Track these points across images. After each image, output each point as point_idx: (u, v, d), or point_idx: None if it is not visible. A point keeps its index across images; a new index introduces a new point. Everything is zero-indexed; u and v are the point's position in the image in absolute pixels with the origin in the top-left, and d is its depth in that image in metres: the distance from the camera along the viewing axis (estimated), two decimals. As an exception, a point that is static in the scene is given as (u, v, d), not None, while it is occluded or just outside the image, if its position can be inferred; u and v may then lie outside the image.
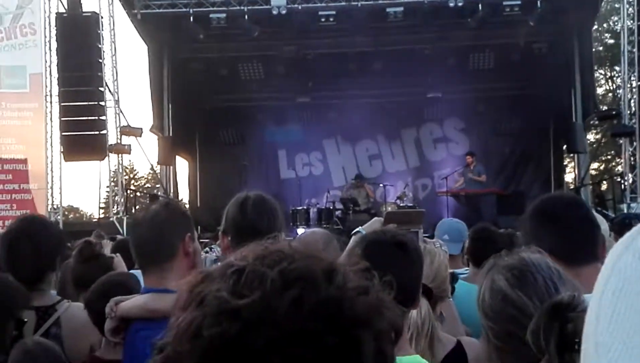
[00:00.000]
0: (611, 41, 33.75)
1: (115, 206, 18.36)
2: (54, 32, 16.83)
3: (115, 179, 18.57)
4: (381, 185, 17.79)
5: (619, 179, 18.10)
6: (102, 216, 23.10)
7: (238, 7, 16.22)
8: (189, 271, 2.40)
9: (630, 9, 16.39)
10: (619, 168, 28.51)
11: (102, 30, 17.25)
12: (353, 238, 2.86)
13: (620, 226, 6.08)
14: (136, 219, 2.76)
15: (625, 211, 15.20)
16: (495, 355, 1.71)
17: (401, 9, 16.05)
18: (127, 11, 17.19)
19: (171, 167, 20.01)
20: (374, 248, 2.21)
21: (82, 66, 16.31)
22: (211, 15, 16.26)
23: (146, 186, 44.66)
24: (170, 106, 19.04)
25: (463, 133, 20.11)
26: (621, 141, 18.25)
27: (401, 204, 15.93)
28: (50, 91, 17.06)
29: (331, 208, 16.88)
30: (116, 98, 17.73)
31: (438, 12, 16.53)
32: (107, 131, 17.05)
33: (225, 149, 20.40)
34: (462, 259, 4.92)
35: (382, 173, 20.06)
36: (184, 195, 21.73)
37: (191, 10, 16.39)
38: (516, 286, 1.68)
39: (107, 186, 19.18)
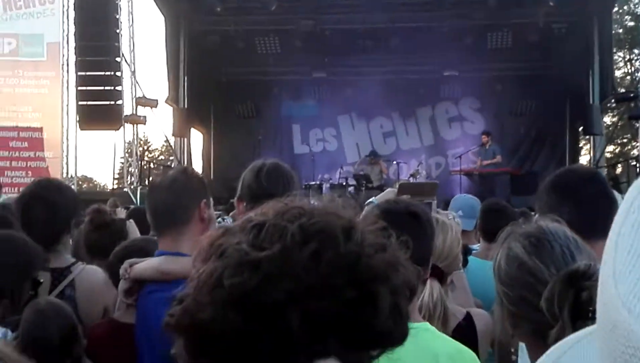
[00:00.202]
0: (631, 24, 33.34)
1: (130, 177, 18.43)
2: (72, 1, 16.79)
3: (130, 150, 18.62)
4: (395, 162, 17.76)
5: (634, 163, 17.99)
6: (115, 186, 23.21)
7: (256, -20, 16.15)
8: (204, 237, 2.42)
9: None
10: (635, 151, 28.32)
11: (120, 0, 17.22)
12: (366, 208, 2.86)
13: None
14: (154, 183, 2.80)
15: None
16: (509, 321, 1.72)
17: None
18: (145, -18, 17.15)
19: (185, 139, 20.05)
20: (387, 218, 2.18)
21: (100, 36, 16.29)
22: (229, -12, 16.21)
23: (160, 158, 44.76)
24: (186, 78, 19.05)
25: (479, 112, 19.99)
26: (638, 125, 18.12)
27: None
28: (67, 60, 17.07)
29: (344, 184, 16.86)
30: (132, 69, 17.73)
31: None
32: (123, 102, 17.05)
33: (240, 122, 20.39)
34: (475, 235, 4.90)
35: (396, 151, 19.98)
36: (197, 168, 21.77)
37: (209, -18, 16.34)
38: (533, 253, 1.67)
39: (122, 157, 19.25)
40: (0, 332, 2.46)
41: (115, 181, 25.28)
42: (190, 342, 0.97)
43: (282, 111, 20.50)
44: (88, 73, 16.53)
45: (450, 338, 2.22)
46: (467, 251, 3.64)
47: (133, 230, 4.10)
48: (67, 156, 17.52)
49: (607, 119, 29.18)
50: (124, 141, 18.28)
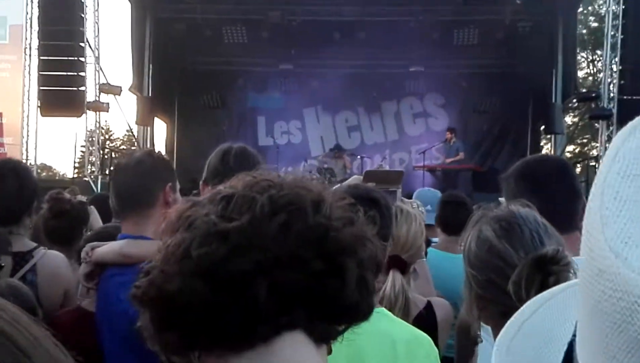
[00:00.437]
0: (595, 24, 33.83)
1: (90, 166, 18.20)
2: (36, -17, 16.53)
3: (91, 139, 18.35)
4: (359, 157, 17.81)
5: (593, 163, 18.27)
6: (76, 175, 22.88)
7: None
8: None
9: (616, -8, 16.43)
10: (594, 151, 28.81)
11: (85, -16, 16.96)
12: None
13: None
14: (119, 165, 2.74)
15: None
16: (476, 304, 1.74)
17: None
18: (111, -33, 16.92)
19: (149, 128, 19.80)
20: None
21: (64, 20, 16.01)
22: (196, -24, 16.06)
23: (121, 147, 44.21)
24: (150, 66, 18.78)
25: (443, 109, 20.09)
26: (598, 125, 18.42)
27: (378, 177, 15.96)
28: (30, 43, 16.79)
29: (308, 176, 16.84)
30: (96, 55, 17.49)
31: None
32: (86, 88, 16.82)
33: (205, 112, 20.22)
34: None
35: (361, 145, 20.02)
36: (160, 157, 21.51)
37: (176, -30, 16.17)
38: (503, 237, 1.69)
39: (82, 146, 18.97)
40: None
41: (76, 170, 24.97)
42: (157, 314, 0.95)
43: (248, 102, 20.38)
44: (51, 58, 16.22)
45: (407, 324, 2.23)
46: (428, 243, 3.67)
47: (95, 217, 4.06)
48: (27, 142, 17.26)
49: (569, 119, 29.62)
50: (86, 128, 18.03)
